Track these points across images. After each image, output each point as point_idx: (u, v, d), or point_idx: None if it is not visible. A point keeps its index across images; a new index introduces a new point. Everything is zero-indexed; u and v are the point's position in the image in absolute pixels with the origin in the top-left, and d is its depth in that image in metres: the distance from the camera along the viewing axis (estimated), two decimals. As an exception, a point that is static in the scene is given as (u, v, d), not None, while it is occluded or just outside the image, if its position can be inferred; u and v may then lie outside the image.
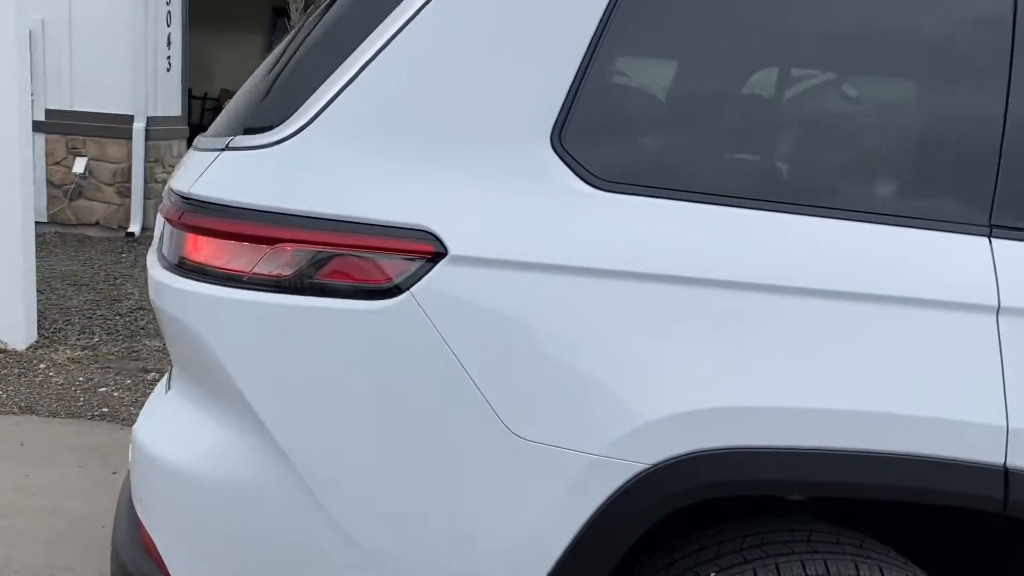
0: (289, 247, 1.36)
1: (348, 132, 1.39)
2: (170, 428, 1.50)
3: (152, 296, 1.54)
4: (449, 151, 1.39)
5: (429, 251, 1.34)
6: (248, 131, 1.45)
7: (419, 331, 1.33)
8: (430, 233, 1.34)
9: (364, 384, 1.35)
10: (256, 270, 1.36)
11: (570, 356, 1.34)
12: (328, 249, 1.35)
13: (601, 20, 1.40)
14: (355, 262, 1.35)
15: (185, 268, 1.44)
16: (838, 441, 1.33)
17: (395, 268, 1.34)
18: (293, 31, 1.73)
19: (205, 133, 1.73)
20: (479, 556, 1.36)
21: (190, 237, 1.44)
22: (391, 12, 1.42)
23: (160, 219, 1.80)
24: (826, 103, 1.47)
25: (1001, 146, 1.44)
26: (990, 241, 1.42)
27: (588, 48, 1.39)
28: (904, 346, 1.36)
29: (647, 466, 1.33)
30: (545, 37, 1.40)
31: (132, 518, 1.66)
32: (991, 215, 1.43)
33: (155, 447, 1.49)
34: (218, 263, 1.39)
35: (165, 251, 1.56)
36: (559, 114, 1.39)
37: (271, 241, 1.36)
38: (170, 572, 1.46)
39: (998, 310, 1.38)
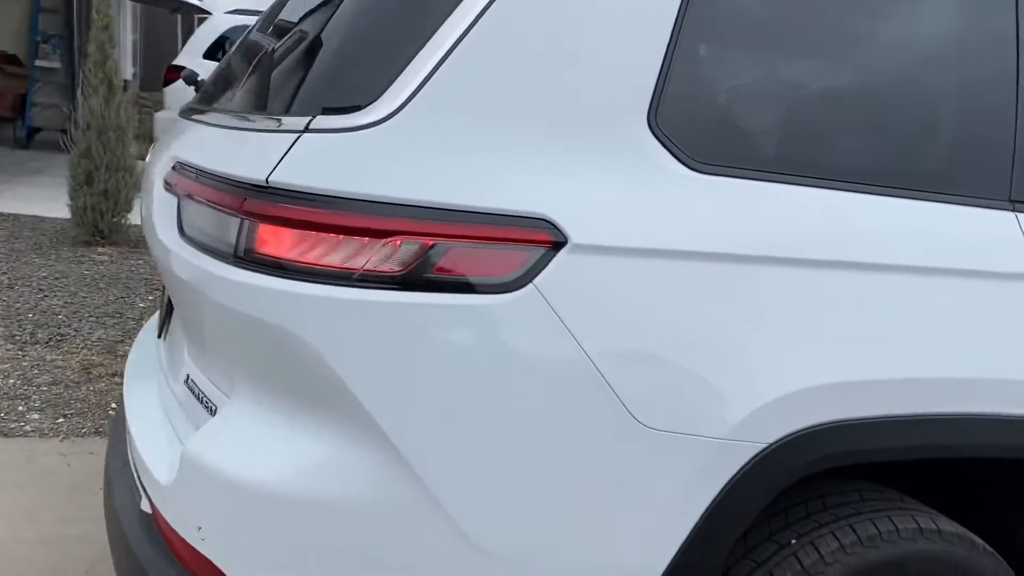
0: (400, 240, 1.25)
1: (449, 112, 1.29)
2: (248, 446, 1.33)
3: (206, 291, 1.36)
4: (552, 132, 1.33)
5: (548, 240, 1.28)
6: (329, 110, 1.31)
7: (544, 324, 1.27)
8: (547, 221, 1.29)
9: (489, 382, 1.27)
10: (368, 266, 1.24)
11: (688, 341, 1.34)
12: (445, 241, 1.26)
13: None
14: (473, 254, 1.27)
15: (256, 262, 1.28)
16: (938, 407, 1.43)
17: (515, 259, 1.28)
18: None
19: (233, 109, 1.54)
20: (610, 549, 1.34)
21: (265, 228, 1.28)
22: None
23: (165, 196, 1.59)
24: (902, 89, 1.54)
25: (1015, 133, 1.61)
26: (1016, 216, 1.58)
27: (675, 21, 1.38)
28: (979, 315, 1.48)
29: (766, 445, 1.36)
30: (633, 8, 1.37)
31: (157, 544, 1.48)
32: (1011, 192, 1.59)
33: (230, 468, 1.32)
34: (311, 258, 1.25)
35: (207, 239, 1.38)
36: (653, 94, 1.37)
37: (384, 234, 1.24)
38: None
39: None
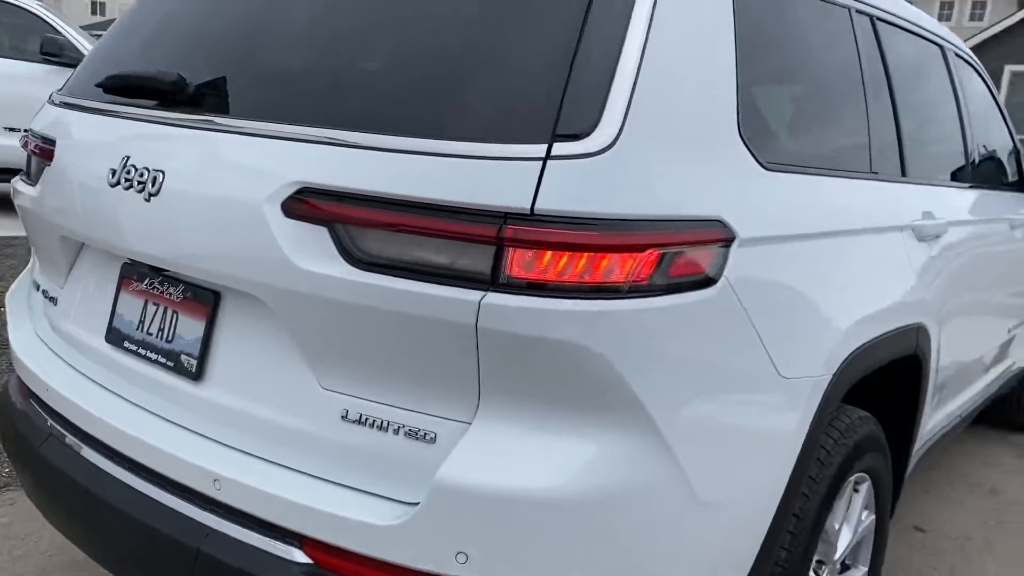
0: (651, 252, 1.41)
1: (648, 134, 1.48)
2: (516, 461, 1.37)
3: (445, 318, 1.36)
4: (701, 145, 1.59)
5: (722, 238, 1.55)
6: (559, 138, 1.39)
7: (734, 310, 1.55)
8: (720, 222, 1.55)
9: (710, 362, 1.52)
10: (633, 278, 1.39)
11: (800, 301, 1.73)
12: (674, 248, 1.45)
13: (734, 21, 1.72)
14: (690, 257, 1.48)
15: (528, 286, 1.35)
16: (880, 329, 2.02)
17: (708, 257, 1.52)
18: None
19: (364, 128, 1.45)
20: (770, 477, 1.69)
21: (530, 253, 1.34)
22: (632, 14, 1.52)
23: (287, 224, 1.48)
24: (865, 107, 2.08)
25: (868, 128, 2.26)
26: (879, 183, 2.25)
27: (734, 47, 1.71)
28: (890, 259, 2.12)
29: (831, 374, 1.81)
30: (717, 34, 1.67)
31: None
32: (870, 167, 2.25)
33: (502, 485, 1.36)
34: (584, 276, 1.36)
35: (426, 268, 1.38)
36: (737, 107, 1.69)
37: (640, 248, 1.40)
38: None
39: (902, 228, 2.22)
